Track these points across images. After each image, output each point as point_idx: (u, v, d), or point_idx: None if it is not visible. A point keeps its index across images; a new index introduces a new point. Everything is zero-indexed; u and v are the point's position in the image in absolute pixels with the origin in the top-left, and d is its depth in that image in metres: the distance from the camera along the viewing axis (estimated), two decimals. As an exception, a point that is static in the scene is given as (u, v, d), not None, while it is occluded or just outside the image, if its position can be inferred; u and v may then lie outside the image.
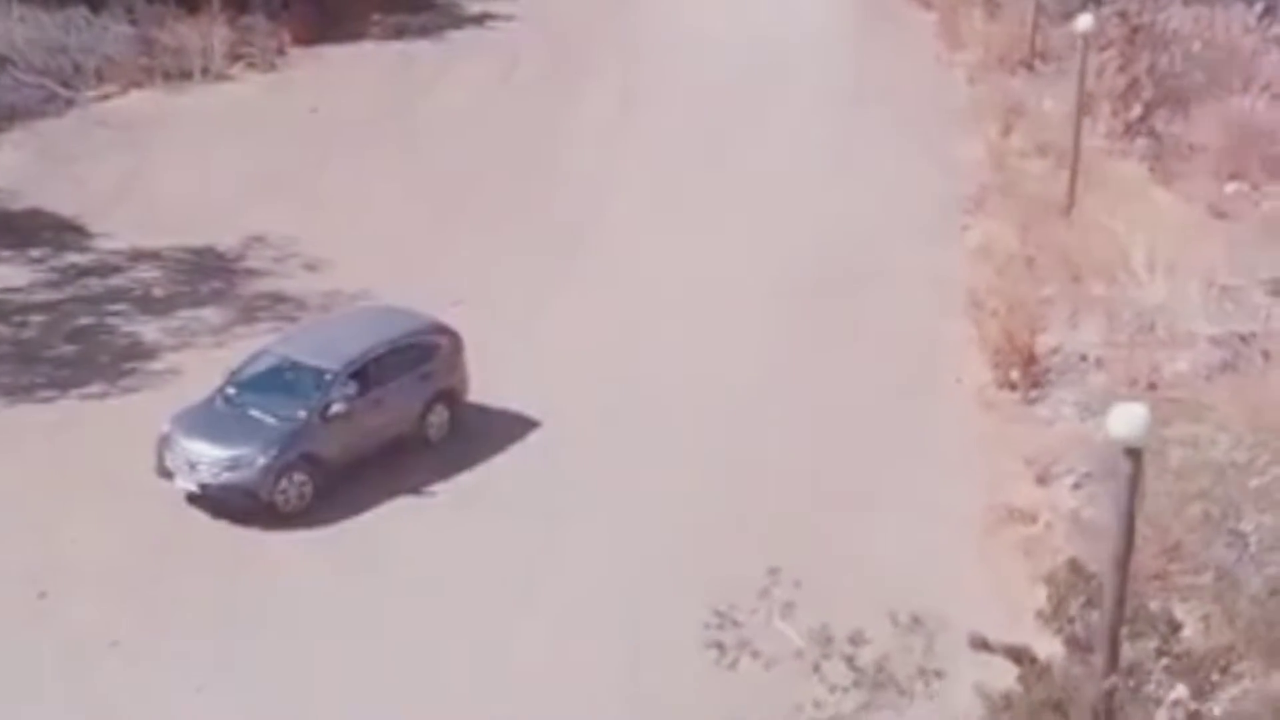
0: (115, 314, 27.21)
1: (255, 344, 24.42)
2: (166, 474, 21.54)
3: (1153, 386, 22.84)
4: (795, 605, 13.43)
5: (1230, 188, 31.90)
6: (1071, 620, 13.79)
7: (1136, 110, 33.07)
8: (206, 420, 21.87)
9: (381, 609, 19.35)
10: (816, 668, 12.78)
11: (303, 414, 21.72)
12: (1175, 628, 13.23)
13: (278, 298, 27.54)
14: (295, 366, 22.44)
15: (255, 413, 21.83)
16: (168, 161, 33.67)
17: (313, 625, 19.06)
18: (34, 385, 24.61)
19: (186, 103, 37.27)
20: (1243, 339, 24.72)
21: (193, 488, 21.32)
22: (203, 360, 24.76)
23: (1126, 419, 12.42)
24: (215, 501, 21.25)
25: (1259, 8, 34.46)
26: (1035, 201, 30.14)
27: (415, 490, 21.92)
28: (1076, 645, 13.74)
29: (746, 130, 36.16)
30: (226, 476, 21.15)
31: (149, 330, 26.54)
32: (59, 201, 31.50)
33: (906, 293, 27.67)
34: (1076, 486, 20.53)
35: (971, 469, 21.52)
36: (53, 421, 23.52)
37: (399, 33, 42.10)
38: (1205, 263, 26.61)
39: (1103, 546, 12.79)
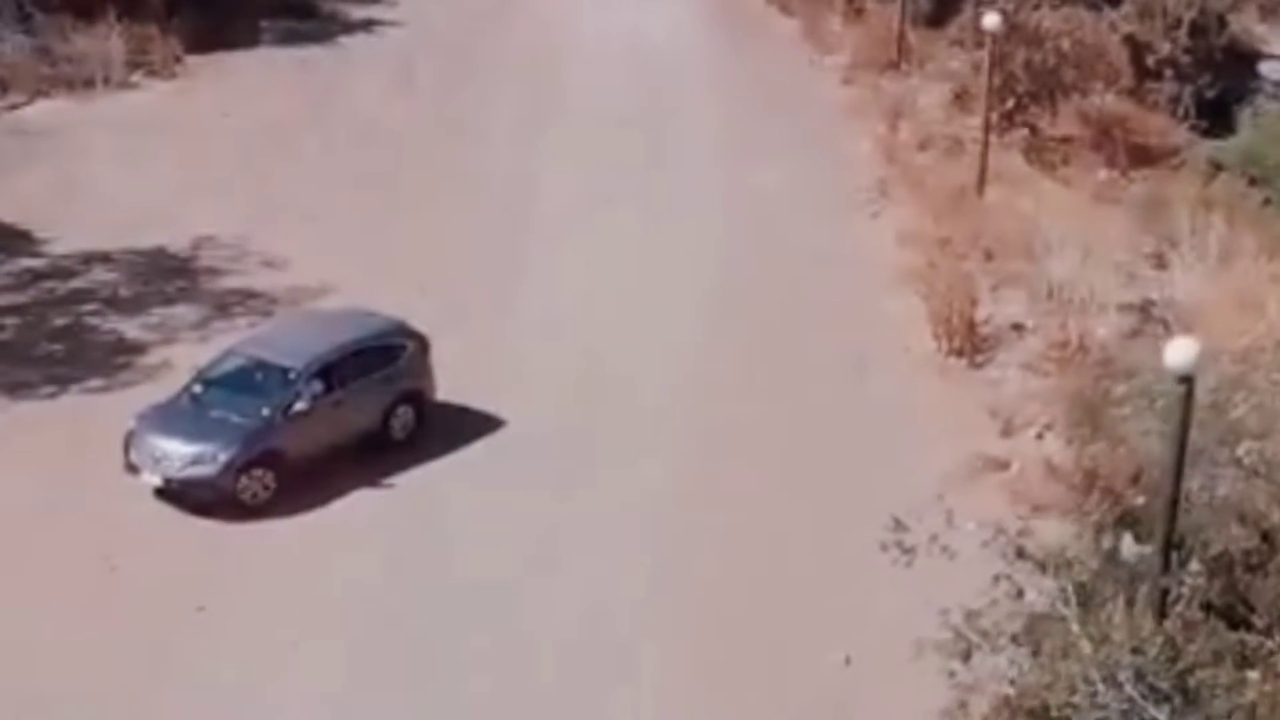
0: (90, 314, 28.19)
1: (238, 337, 25.80)
2: (133, 469, 22.36)
3: (1083, 350, 25.43)
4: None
5: (1102, 174, 34.96)
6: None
7: (1010, 104, 35.75)
8: (172, 417, 22.78)
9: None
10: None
11: (266, 411, 22.59)
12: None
13: (246, 294, 28.68)
14: (261, 365, 23.28)
15: (220, 410, 22.70)
16: (96, 168, 34.37)
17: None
18: (33, 382, 25.53)
19: (97, 111, 37.95)
20: (1144, 308, 27.51)
21: (157, 482, 22.15)
22: (190, 354, 25.81)
23: (1181, 351, 14.71)
24: (179, 495, 22.12)
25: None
26: (935, 189, 32.71)
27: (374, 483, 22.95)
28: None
29: (641, 131, 38.03)
30: (190, 471, 22.02)
31: (129, 328, 27.57)
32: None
33: (836, 274, 29.87)
34: (1039, 436, 22.95)
35: (939, 425, 23.77)
36: (60, 415, 24.45)
37: (290, 39, 43.18)
38: (1097, 240, 29.39)
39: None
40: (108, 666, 18.99)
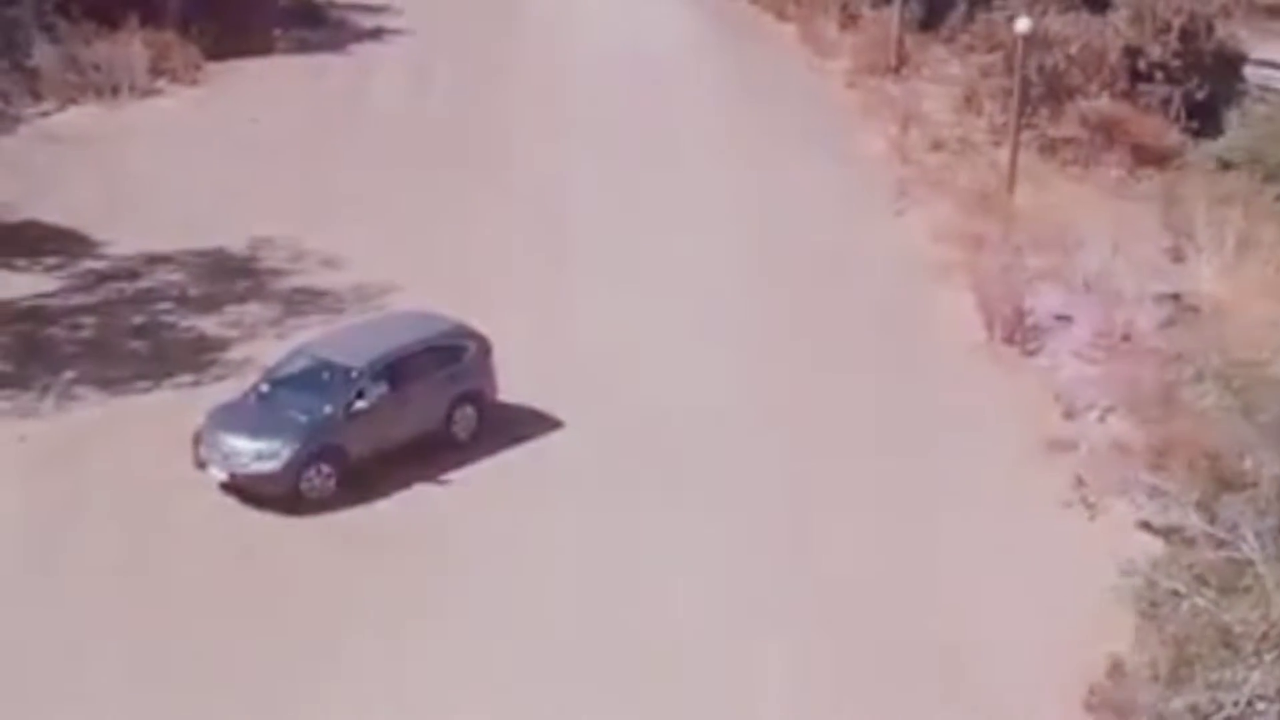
0: (165, 312, 29.04)
1: (310, 336, 26.82)
2: (201, 464, 23.20)
3: (1126, 338, 26.91)
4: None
5: (1114, 173, 36.51)
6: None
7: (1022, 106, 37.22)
8: (240, 414, 23.67)
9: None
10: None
11: (329, 409, 23.39)
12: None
13: (313, 293, 29.59)
14: (325, 365, 24.10)
15: (285, 408, 23.54)
16: (135, 172, 35.14)
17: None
18: (127, 378, 26.37)
19: (127, 117, 38.68)
20: (1174, 298, 29.06)
21: (224, 476, 22.99)
22: (271, 350, 26.71)
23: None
24: (244, 489, 22.92)
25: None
26: (960, 188, 34.15)
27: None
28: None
29: (655, 134, 39.23)
30: (255, 467, 22.86)
31: (207, 325, 28.48)
32: (47, 213, 32.94)
33: (873, 270, 31.24)
34: (1101, 419, 24.36)
35: (1003, 409, 25.14)
36: (161, 409, 25.28)
37: (304, 47, 44.01)
38: (1123, 235, 30.93)
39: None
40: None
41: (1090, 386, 25.23)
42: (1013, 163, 32.33)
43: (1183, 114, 41.62)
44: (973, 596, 20.52)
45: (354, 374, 23.68)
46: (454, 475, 23.90)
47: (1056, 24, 37.68)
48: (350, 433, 23.34)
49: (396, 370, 24.05)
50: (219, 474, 23.13)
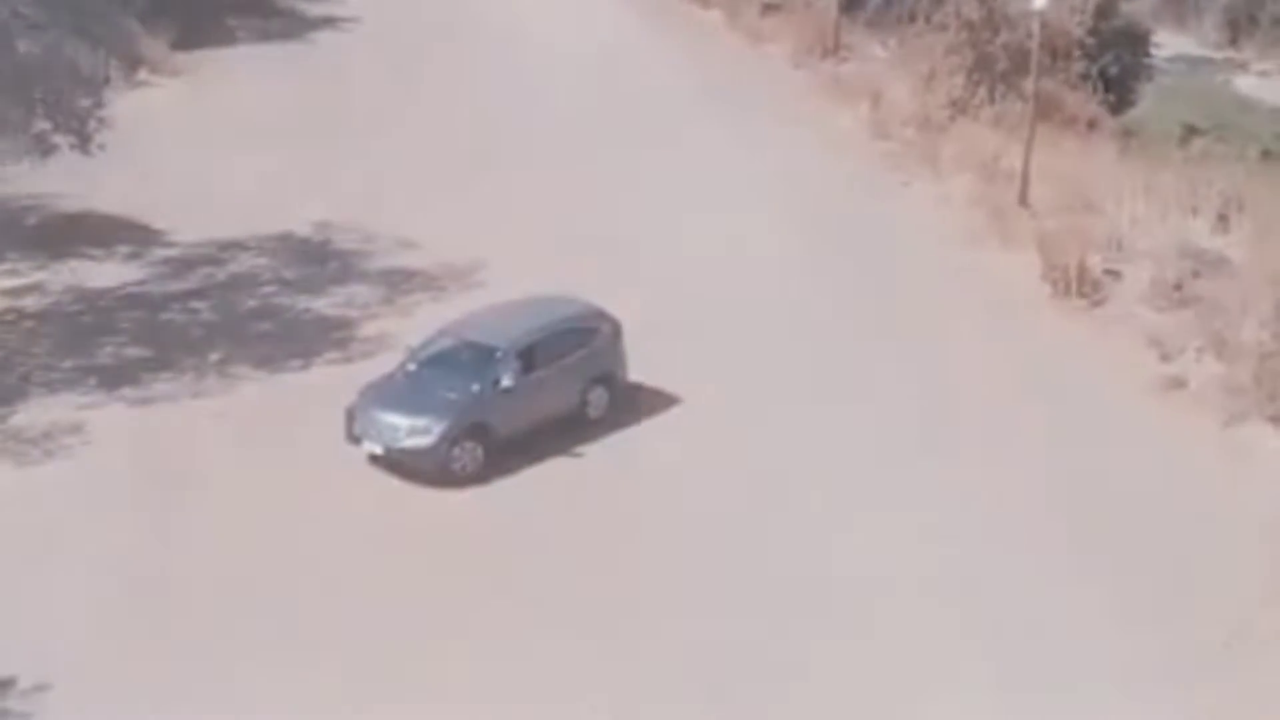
0: (272, 295, 29.94)
1: (432, 311, 28.15)
2: (355, 439, 24.28)
3: (1178, 288, 29.89)
4: None
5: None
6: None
7: (985, 81, 40.17)
8: (391, 392, 24.70)
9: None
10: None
11: (476, 388, 24.42)
12: None
13: (406, 273, 30.67)
14: (469, 345, 25.14)
15: (433, 386, 24.57)
16: (159, 161, 35.64)
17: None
18: (280, 357, 27.33)
19: (125, 107, 38.51)
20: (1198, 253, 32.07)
21: (378, 450, 24.10)
22: (398, 328, 27.94)
23: None
24: (396, 463, 23.99)
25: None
26: (960, 157, 36.82)
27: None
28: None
29: (637, 116, 40.94)
30: (409, 442, 23.89)
31: (320, 306, 29.50)
32: (96, 204, 33.36)
33: (905, 238, 33.39)
34: (1197, 360, 27.21)
35: (1099, 355, 27.81)
36: (321, 385, 26.31)
37: (265, 36, 44.68)
38: (1132, 196, 33.90)
39: None
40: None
41: (1173, 331, 27.98)
42: (1031, 131, 34.83)
43: (1100, 87, 45.31)
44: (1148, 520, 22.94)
45: (498, 354, 24.72)
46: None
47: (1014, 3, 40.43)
48: (496, 411, 24.41)
49: (536, 351, 25.12)
50: (373, 448, 24.16)
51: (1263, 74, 54.85)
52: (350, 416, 24.46)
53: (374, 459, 24.12)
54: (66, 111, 26.09)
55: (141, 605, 20.52)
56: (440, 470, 23.89)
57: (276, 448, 24.26)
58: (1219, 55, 56.34)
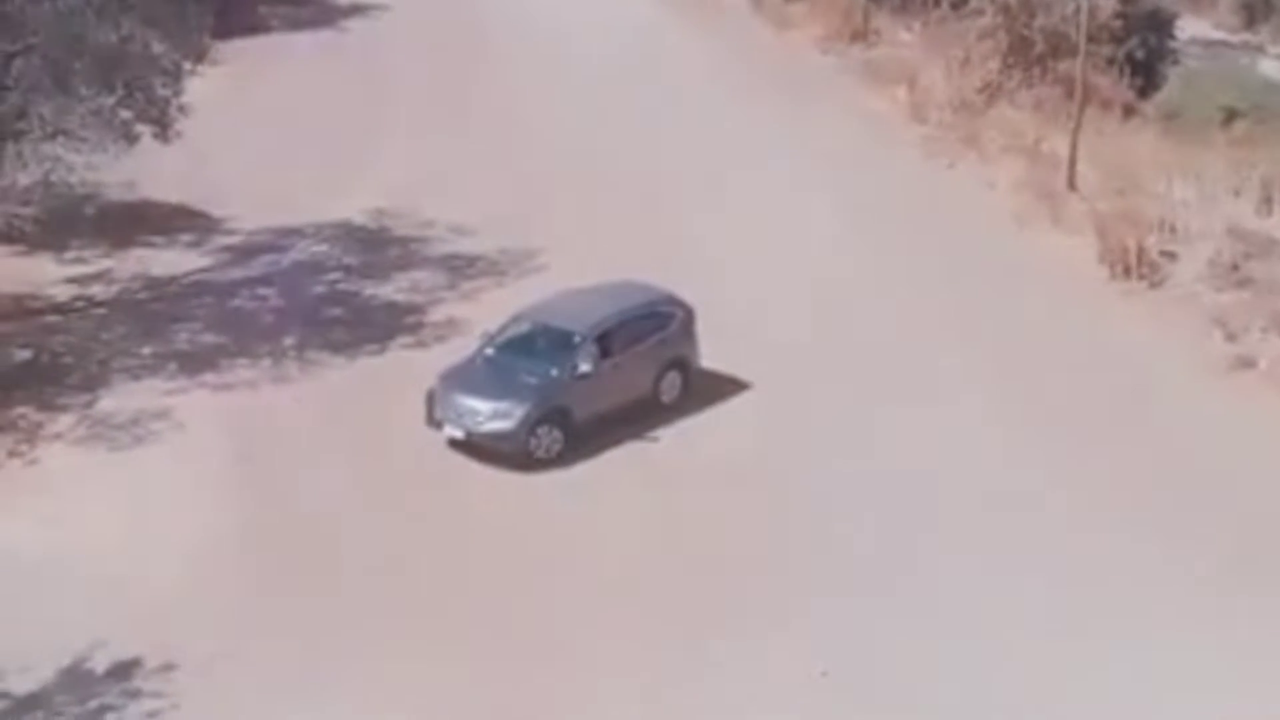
0: (338, 281, 30.16)
1: (496, 296, 28.44)
2: (436, 424, 24.36)
3: (1235, 268, 30.28)
4: None
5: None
6: None
7: (1020, 65, 40.54)
8: (471, 377, 24.77)
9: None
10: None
11: (554, 372, 24.51)
12: None
13: (467, 258, 30.92)
14: (546, 330, 25.22)
15: (512, 371, 24.66)
16: (209, 150, 35.50)
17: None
18: (352, 342, 27.54)
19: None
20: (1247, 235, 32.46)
21: (459, 435, 24.14)
22: (467, 313, 28.23)
23: None
24: (476, 447, 24.04)
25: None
26: (1003, 139, 37.17)
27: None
28: None
29: (675, 97, 41.26)
30: (490, 426, 23.97)
31: (387, 292, 29.75)
32: (152, 192, 33.52)
33: (956, 219, 33.79)
34: (1263, 339, 27.59)
35: (1165, 335, 28.16)
36: (403, 370, 26.39)
37: (298, 24, 44.85)
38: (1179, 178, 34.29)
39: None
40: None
41: (1234, 311, 28.36)
42: (1079, 115, 35.21)
43: (1127, 71, 45.70)
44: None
45: (576, 339, 24.79)
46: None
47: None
48: (574, 396, 24.45)
49: (613, 337, 25.18)
50: (454, 432, 24.25)
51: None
52: (431, 401, 24.61)
53: (454, 444, 24.27)
54: (148, 100, 26.14)
55: (260, 585, 20.74)
56: (521, 454, 23.99)
57: (367, 431, 24.44)
58: (1235, 39, 56.73)
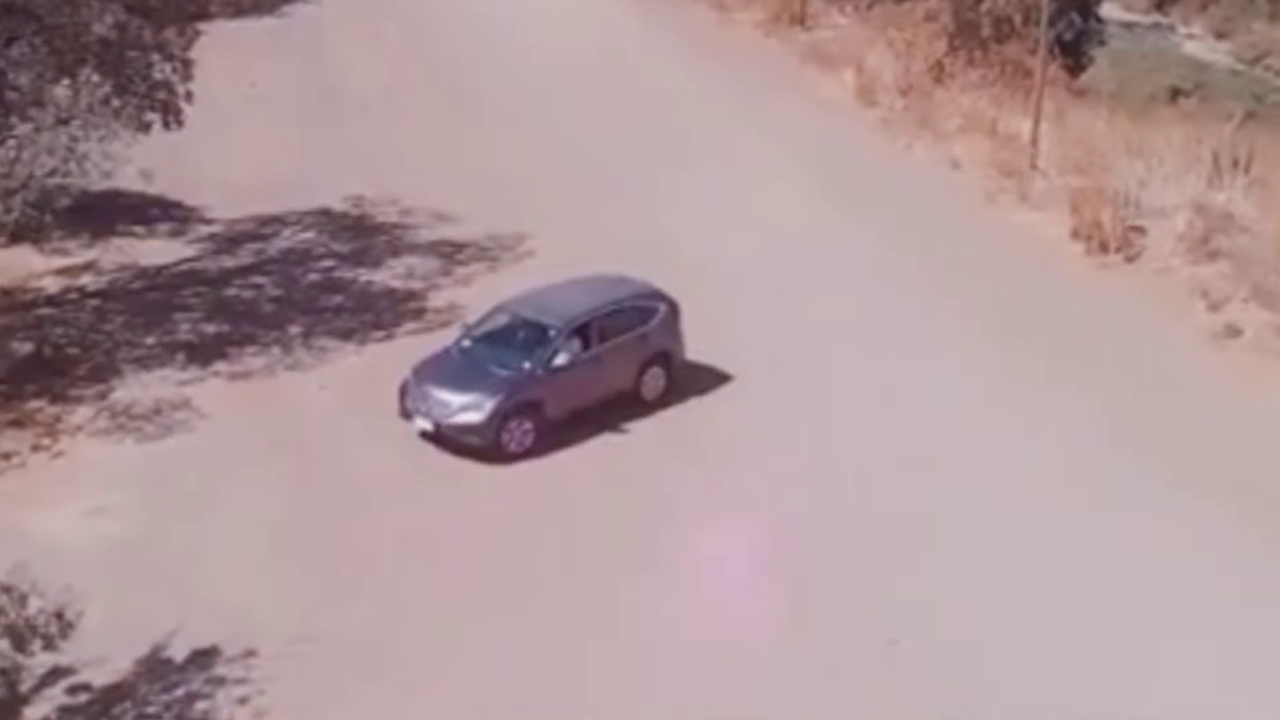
0: (331, 269, 30.08)
1: (489, 281, 28.66)
2: (407, 415, 24.21)
3: (1205, 241, 31.25)
4: None
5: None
6: None
7: (965, 47, 41.36)
8: (444, 369, 24.60)
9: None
10: None
11: (528, 365, 24.37)
12: None
13: (456, 245, 30.94)
14: (524, 323, 25.02)
15: (486, 363, 24.53)
16: (171, 139, 34.77)
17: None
18: (358, 329, 27.56)
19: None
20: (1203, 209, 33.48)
21: (428, 426, 23.99)
22: (464, 298, 28.29)
23: None
24: (446, 439, 23.91)
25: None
26: (950, 123, 37.90)
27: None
28: None
29: (629, 83, 41.41)
30: (459, 418, 23.82)
31: (382, 278, 29.70)
32: (119, 181, 33.00)
33: (923, 197, 34.36)
34: (1244, 309, 28.53)
35: (1148, 307, 29.01)
36: (416, 356, 26.34)
37: (238, 11, 44.43)
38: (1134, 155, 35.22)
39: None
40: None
41: (1213, 282, 29.31)
42: (1040, 93, 36.00)
43: (1057, 52, 46.75)
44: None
45: (552, 333, 24.66)
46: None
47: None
48: (549, 390, 24.33)
49: (592, 330, 25.03)
50: (423, 424, 23.97)
51: (1190, 37, 56.96)
52: (403, 392, 24.40)
53: (424, 435, 24.00)
54: (152, 87, 25.92)
55: (321, 568, 20.95)
56: (492, 447, 23.77)
57: (394, 417, 24.42)
58: (1147, 20, 58.18)
